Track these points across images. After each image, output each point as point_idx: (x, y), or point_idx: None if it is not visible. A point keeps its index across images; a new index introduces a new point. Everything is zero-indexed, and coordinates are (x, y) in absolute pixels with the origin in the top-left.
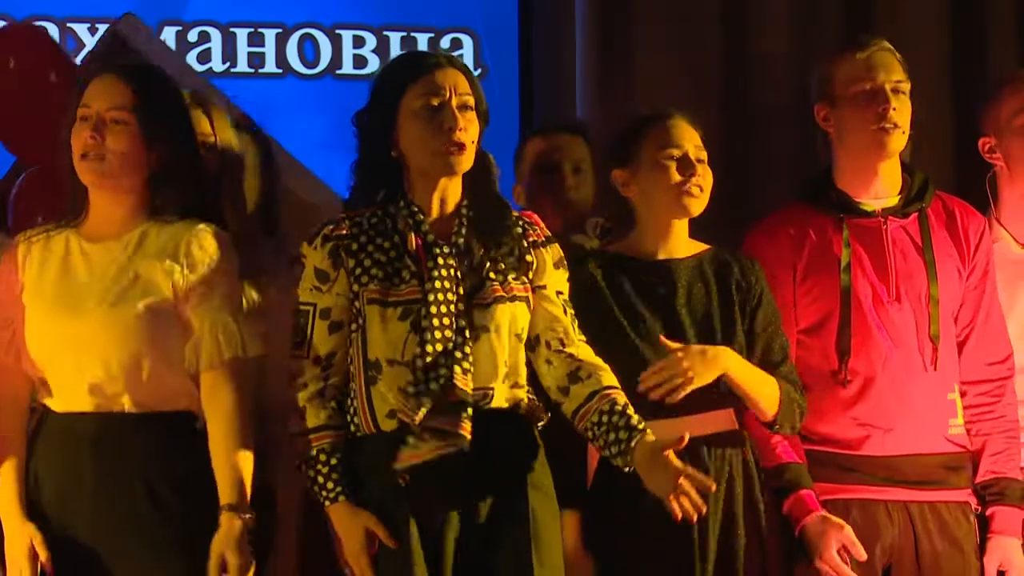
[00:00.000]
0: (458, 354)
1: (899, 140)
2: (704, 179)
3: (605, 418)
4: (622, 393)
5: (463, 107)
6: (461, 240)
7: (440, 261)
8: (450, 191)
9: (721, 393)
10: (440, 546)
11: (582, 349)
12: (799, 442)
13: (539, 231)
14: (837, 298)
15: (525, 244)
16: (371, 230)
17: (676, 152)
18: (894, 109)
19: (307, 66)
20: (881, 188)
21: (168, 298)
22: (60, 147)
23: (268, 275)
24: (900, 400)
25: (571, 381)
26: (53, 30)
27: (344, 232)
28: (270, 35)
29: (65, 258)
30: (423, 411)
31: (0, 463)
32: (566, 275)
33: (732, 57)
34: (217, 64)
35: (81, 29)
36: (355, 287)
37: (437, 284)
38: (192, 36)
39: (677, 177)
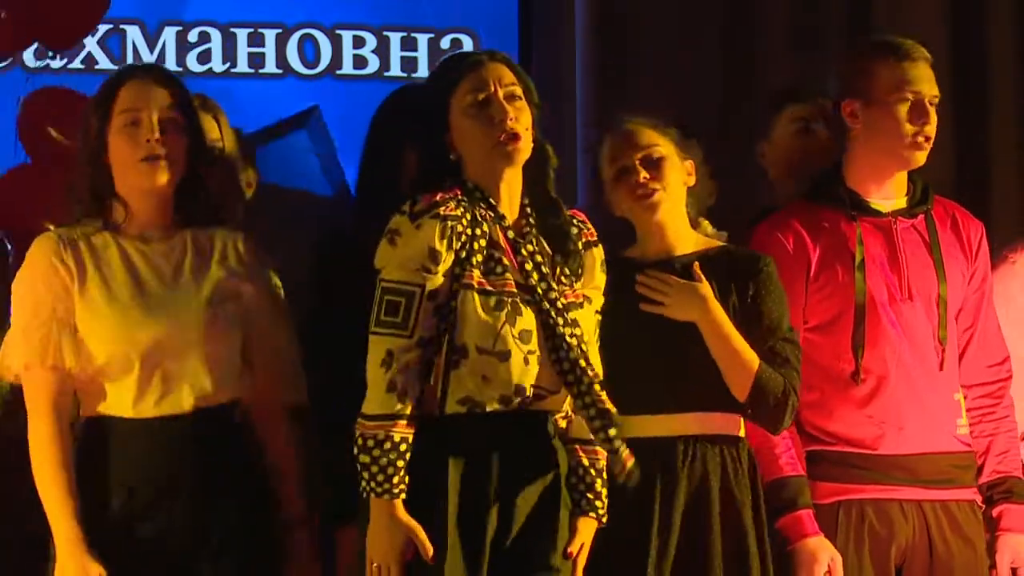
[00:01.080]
0: (581, 354)
1: (925, 155)
2: (658, 180)
3: (581, 471)
4: (602, 451)
5: (511, 97)
6: (534, 240)
7: (531, 262)
8: (514, 185)
9: (720, 395)
10: (477, 539)
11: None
12: (801, 452)
13: (590, 230)
14: (850, 296)
15: (581, 246)
16: (468, 214)
17: (622, 165)
18: (928, 125)
19: (307, 66)
20: (890, 190)
21: (239, 300)
22: (89, 155)
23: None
24: (913, 398)
25: (576, 411)
26: None
27: (452, 212)
28: (270, 35)
29: (127, 263)
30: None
31: (57, 487)
32: (604, 279)
33: (732, 57)
34: (217, 64)
35: None
36: (457, 270)
37: (540, 285)
38: (192, 36)
39: (622, 192)
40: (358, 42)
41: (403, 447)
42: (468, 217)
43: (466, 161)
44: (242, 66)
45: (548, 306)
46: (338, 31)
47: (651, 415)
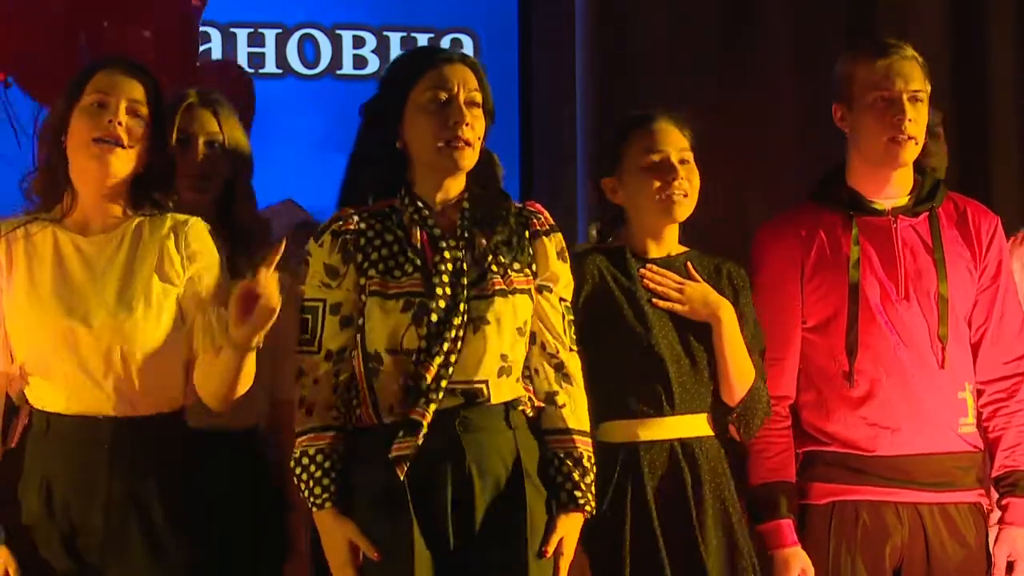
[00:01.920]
0: (446, 345)
1: (911, 151)
2: (688, 182)
3: (557, 462)
4: (583, 440)
5: (470, 103)
6: (466, 233)
7: (447, 255)
8: (453, 186)
9: (705, 397)
10: (437, 538)
11: (571, 362)
12: (792, 458)
13: (543, 220)
14: (845, 296)
15: (526, 234)
16: (377, 224)
17: (657, 157)
18: (910, 120)
19: (307, 66)
20: (892, 189)
21: (172, 292)
22: (51, 134)
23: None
24: (909, 399)
25: (547, 401)
26: None
27: (352, 227)
28: (270, 35)
29: (57, 256)
30: (432, 408)
31: None
32: (567, 267)
33: (732, 57)
34: None
35: None
36: (361, 280)
37: (445, 278)
38: None
39: (657, 183)
40: (358, 42)
41: (319, 458)
42: (376, 227)
43: (411, 153)
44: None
45: (441, 299)
46: (338, 31)
47: (658, 417)
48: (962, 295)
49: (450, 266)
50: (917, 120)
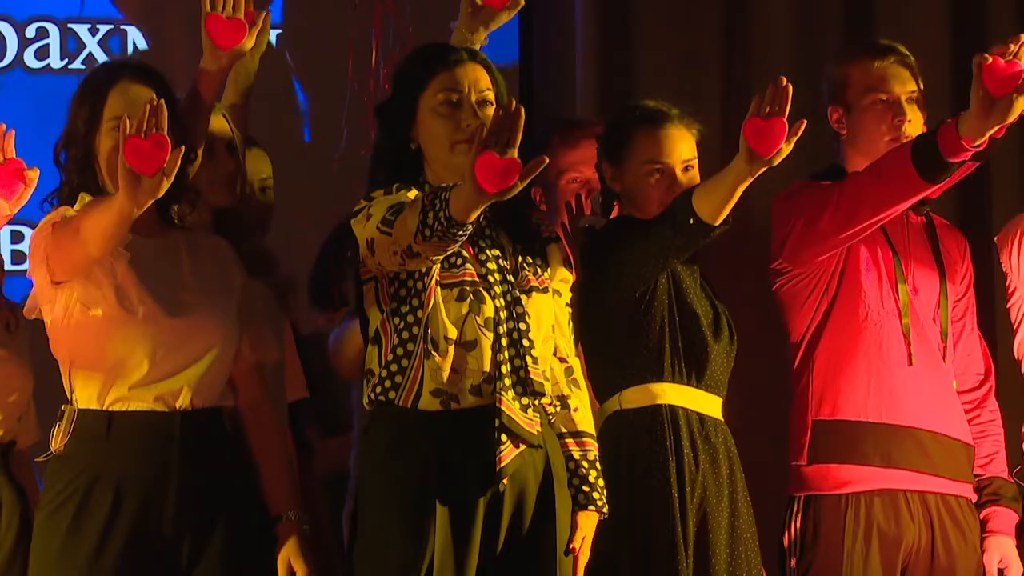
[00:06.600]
0: (525, 342)
1: None
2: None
3: (572, 464)
4: (593, 443)
5: (482, 103)
6: (489, 231)
7: (489, 253)
8: None
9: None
10: (467, 529)
11: (577, 366)
12: None
13: (549, 228)
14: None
15: (542, 238)
16: None
17: (661, 167)
18: (909, 121)
19: None
20: None
21: (234, 298)
22: (78, 154)
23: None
24: (919, 384)
25: (560, 404)
26: (54, 31)
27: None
28: (272, 36)
29: (130, 254)
30: (509, 394)
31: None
32: (571, 274)
33: (733, 57)
34: None
35: (82, 30)
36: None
37: (497, 276)
38: None
39: (658, 190)
40: None
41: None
42: None
43: (426, 155)
44: None
45: (501, 296)
46: None
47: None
48: (951, 297)
49: (493, 264)
50: (915, 121)
